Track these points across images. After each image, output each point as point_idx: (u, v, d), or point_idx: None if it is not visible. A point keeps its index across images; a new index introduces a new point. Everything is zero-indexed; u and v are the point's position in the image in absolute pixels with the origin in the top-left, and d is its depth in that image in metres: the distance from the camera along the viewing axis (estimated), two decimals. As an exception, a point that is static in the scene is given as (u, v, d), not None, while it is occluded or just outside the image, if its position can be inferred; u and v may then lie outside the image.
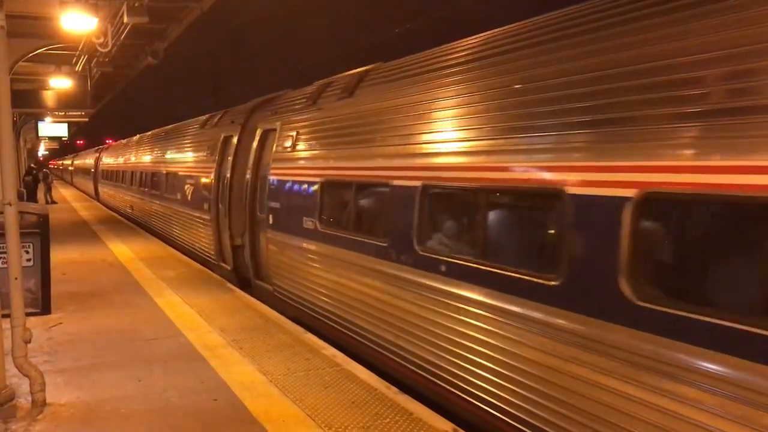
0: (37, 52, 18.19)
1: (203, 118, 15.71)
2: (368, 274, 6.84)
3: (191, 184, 14.37)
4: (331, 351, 7.05)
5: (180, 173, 15.76)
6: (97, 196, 33.87)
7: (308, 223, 8.26)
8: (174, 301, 9.62)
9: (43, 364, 6.48)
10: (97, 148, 42.64)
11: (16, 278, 5.59)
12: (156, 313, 8.91)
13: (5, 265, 5.80)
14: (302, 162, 8.73)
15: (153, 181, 19.12)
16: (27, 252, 8.46)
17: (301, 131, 8.93)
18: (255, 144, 10.41)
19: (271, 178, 9.49)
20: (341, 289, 7.50)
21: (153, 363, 6.79)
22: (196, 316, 8.69)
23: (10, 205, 5.55)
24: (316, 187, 8.14)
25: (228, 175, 11.61)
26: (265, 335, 7.70)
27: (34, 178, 32.45)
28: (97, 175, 34.36)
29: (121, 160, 27.22)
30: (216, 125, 13.66)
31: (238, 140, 11.56)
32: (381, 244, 6.63)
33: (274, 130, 9.81)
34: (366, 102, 7.60)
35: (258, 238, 10.17)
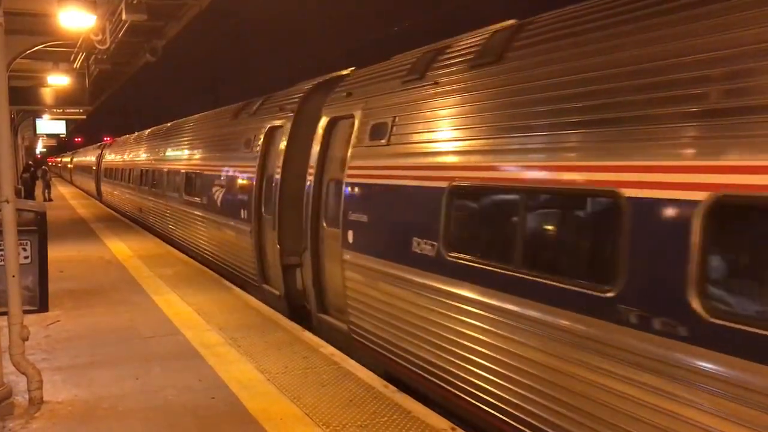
0: (35, 49, 18.13)
1: (235, 106, 13.11)
2: (557, 338, 4.30)
3: (221, 186, 11.96)
4: (329, 349, 7.05)
5: (205, 172, 13.24)
6: (99, 196, 31.89)
7: (422, 246, 5.74)
8: (172, 299, 9.61)
9: (41, 362, 6.47)
10: (99, 144, 40.81)
11: (13, 276, 5.58)
12: (154, 311, 8.90)
13: (2, 263, 5.79)
14: (408, 159, 6.19)
15: (168, 181, 16.70)
16: (24, 249, 8.46)
17: (401, 117, 6.49)
18: (319, 136, 8.10)
19: (350, 180, 7.09)
20: (492, 352, 4.95)
21: (151, 361, 6.78)
22: (194, 314, 8.69)
23: (7, 202, 5.54)
24: (437, 194, 5.59)
25: (277, 176, 9.27)
26: (263, 333, 7.70)
27: (32, 176, 32.40)
28: (100, 173, 32.25)
29: (127, 157, 24.47)
30: (255, 114, 11.15)
31: (291, 131, 9.21)
32: (595, 293, 4.03)
33: (351, 116, 7.43)
34: (540, 66, 4.92)
35: (325, 259, 7.90)
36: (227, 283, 10.80)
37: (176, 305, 9.21)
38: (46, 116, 32.03)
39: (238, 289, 10.25)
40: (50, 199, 31.92)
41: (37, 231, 8.75)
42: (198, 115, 16.81)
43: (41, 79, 24.56)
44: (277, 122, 9.80)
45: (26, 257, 8.52)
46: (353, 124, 7.31)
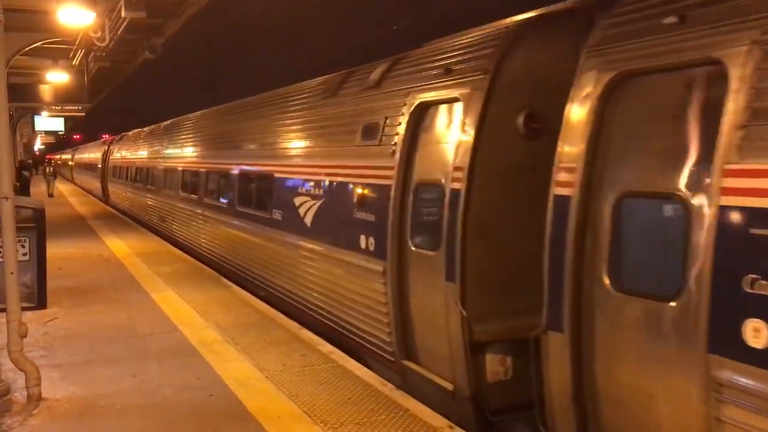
0: (33, 46, 18.17)
1: (327, 79, 9.03)
2: None
3: (311, 197, 8.14)
4: (327, 347, 7.05)
5: (279, 175, 9.23)
6: (105, 198, 28.36)
7: None
8: (170, 296, 9.61)
9: (39, 359, 6.47)
10: (105, 139, 36.74)
11: (12, 272, 5.58)
12: (152, 309, 8.90)
13: (1, 260, 5.79)
14: None
15: (207, 186, 12.90)
16: (23, 246, 8.43)
17: None
18: (587, 110, 4.30)
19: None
20: None
21: (149, 358, 6.78)
22: (192, 311, 8.68)
23: (6, 199, 5.54)
24: None
25: (455, 185, 5.50)
26: (262, 331, 7.70)
27: (30, 173, 32.49)
28: (106, 172, 28.55)
29: (144, 153, 20.52)
30: (381, 85, 7.18)
31: (484, 108, 5.40)
32: None
33: (712, 63, 3.67)
34: None
35: (620, 359, 4.10)
36: (225, 281, 10.79)
37: (175, 303, 9.20)
38: (44, 113, 32.07)
39: (236, 287, 10.23)
40: (52, 195, 32.06)
41: (36, 228, 8.73)
42: (254, 96, 12.39)
43: (40, 76, 24.62)
44: (443, 93, 5.96)
45: (25, 254, 8.49)
46: (724, 78, 3.52)
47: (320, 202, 7.95)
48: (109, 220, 21.15)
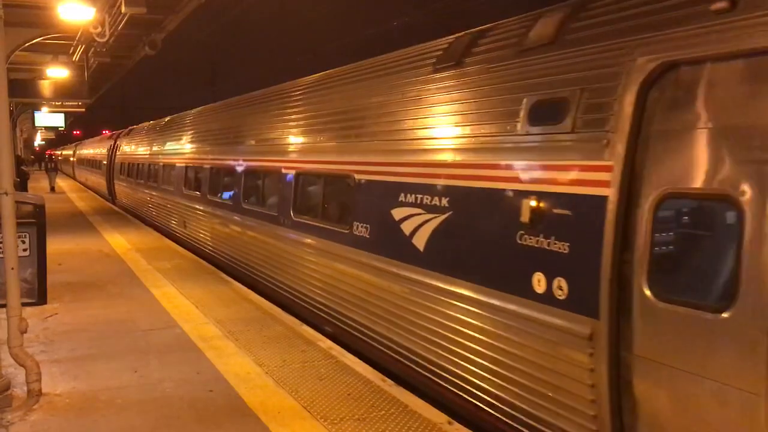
0: (34, 41, 18.13)
1: (432, 46, 6.67)
2: None
3: (430, 209, 5.78)
4: (327, 343, 7.07)
5: (364, 176, 6.94)
6: (112, 198, 26.39)
7: None
8: (170, 292, 9.62)
9: (39, 354, 6.49)
10: (112, 133, 33.53)
11: (12, 268, 5.59)
12: (152, 304, 8.91)
13: (1, 255, 5.80)
14: None
15: (249, 188, 10.75)
16: (23, 242, 8.45)
17: None
18: None
19: None
20: None
21: (149, 354, 6.79)
22: (192, 307, 8.70)
23: (6, 194, 5.54)
24: None
25: None
26: (261, 327, 7.71)
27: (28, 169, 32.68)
28: (113, 170, 26.32)
29: (162, 149, 17.98)
30: (556, 43, 4.85)
31: None
32: None
33: None
34: None
35: None
36: (225, 276, 10.79)
37: (175, 298, 9.21)
38: (44, 109, 32.05)
39: (236, 283, 10.24)
40: (53, 189, 32.27)
41: (36, 223, 8.75)
42: (318, 75, 9.57)
43: (40, 72, 24.57)
44: (723, 44, 3.60)
45: (25, 250, 8.52)
46: None
47: (443, 217, 5.60)
48: (109, 215, 21.16)
